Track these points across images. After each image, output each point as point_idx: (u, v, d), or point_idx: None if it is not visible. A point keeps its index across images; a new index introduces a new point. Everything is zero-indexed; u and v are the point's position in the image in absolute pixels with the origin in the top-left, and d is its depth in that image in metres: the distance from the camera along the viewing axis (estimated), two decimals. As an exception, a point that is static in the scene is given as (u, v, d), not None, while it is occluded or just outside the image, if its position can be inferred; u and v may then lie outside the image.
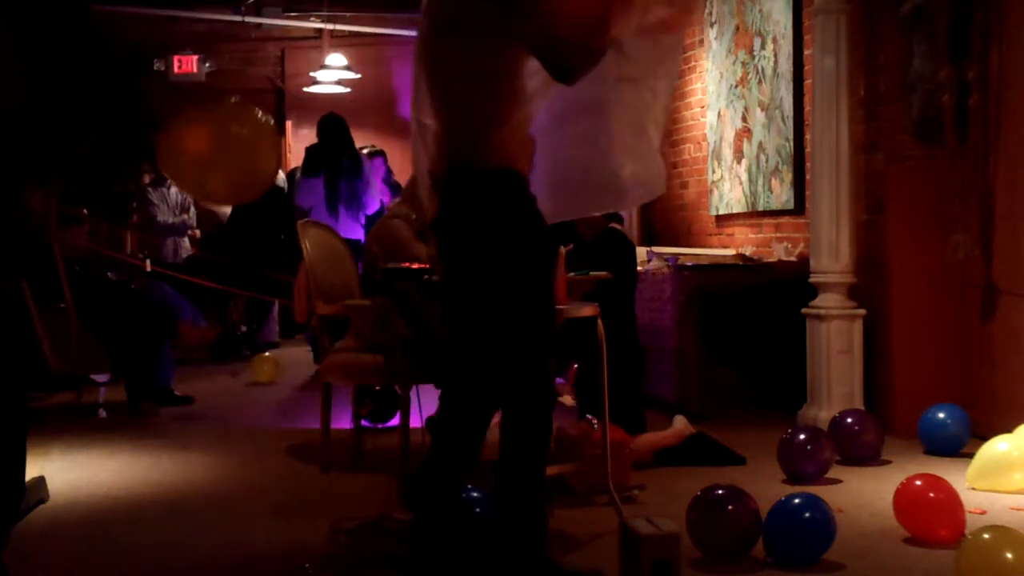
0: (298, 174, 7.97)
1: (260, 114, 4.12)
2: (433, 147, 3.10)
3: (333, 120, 7.62)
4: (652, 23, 3.08)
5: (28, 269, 2.71)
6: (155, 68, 11.05)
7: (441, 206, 3.07)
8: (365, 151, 9.95)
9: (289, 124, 11.63)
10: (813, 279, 5.38)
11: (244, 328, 9.74)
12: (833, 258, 5.28)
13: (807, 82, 6.15)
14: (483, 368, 3.07)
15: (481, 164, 2.97)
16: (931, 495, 3.48)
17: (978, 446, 4.25)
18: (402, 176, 8.96)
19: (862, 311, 5.27)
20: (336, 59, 10.90)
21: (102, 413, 6.23)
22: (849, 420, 4.68)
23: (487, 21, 2.92)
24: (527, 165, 3.04)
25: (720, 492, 3.36)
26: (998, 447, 4.13)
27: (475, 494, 3.39)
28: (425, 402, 4.54)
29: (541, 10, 2.88)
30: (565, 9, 2.91)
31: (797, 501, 3.29)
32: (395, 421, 5.30)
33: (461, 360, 3.10)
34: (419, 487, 3.08)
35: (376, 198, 7.73)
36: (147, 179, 9.89)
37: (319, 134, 7.70)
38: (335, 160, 7.45)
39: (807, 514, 3.24)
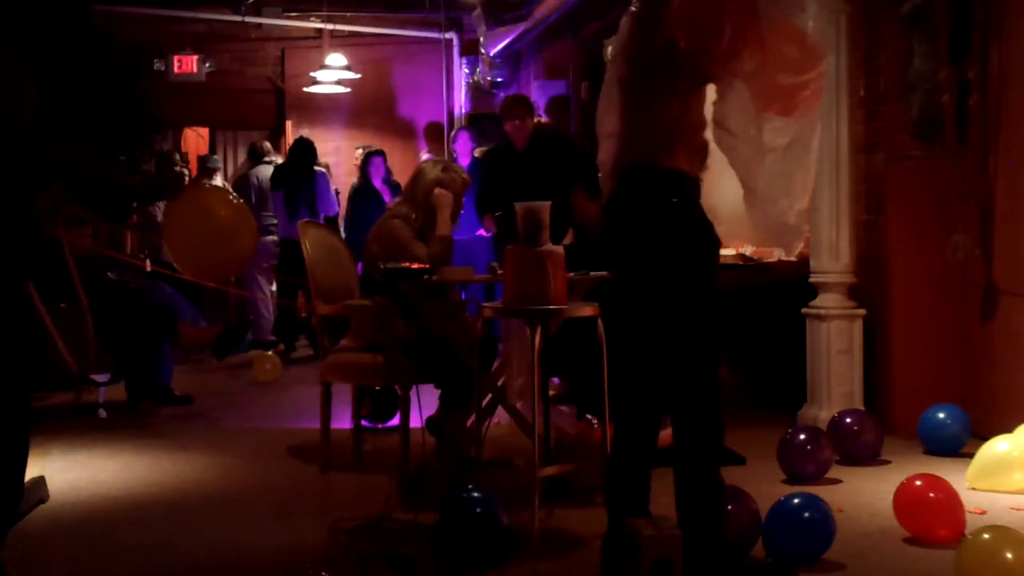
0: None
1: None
2: (613, 149, 3.22)
3: (301, 144, 9.20)
4: (776, 84, 3.06)
5: (34, 271, 2.72)
6: (155, 68, 11.04)
7: (611, 202, 3.20)
8: (360, 151, 10.03)
9: (289, 124, 11.63)
10: (813, 279, 5.38)
11: (243, 326, 9.79)
12: (833, 258, 5.28)
13: (807, 82, 6.14)
14: (639, 363, 3.13)
15: (655, 163, 3.07)
16: (931, 495, 3.48)
17: (978, 446, 4.25)
18: (401, 176, 8.98)
19: (862, 311, 5.27)
20: (336, 59, 10.90)
21: (102, 413, 6.22)
22: (848, 420, 4.68)
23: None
24: (700, 168, 3.13)
25: (720, 492, 3.36)
26: (998, 447, 4.13)
27: (475, 494, 3.38)
28: (425, 402, 4.54)
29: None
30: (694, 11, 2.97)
31: (797, 501, 3.29)
32: (395, 421, 5.31)
33: (622, 354, 3.17)
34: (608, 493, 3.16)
35: (331, 205, 9.16)
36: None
37: (288, 154, 9.40)
38: (294, 178, 8.95)
39: (807, 514, 3.25)
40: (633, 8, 3.18)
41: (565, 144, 6.88)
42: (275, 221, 9.31)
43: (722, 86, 3.05)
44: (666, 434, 4.75)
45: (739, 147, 3.08)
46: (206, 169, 10.13)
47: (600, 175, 3.32)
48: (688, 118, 3.09)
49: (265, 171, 9.64)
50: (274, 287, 9.76)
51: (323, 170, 9.29)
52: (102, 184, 2.92)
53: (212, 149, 12.01)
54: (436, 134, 11.89)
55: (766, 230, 3.22)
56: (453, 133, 9.65)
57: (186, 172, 10.34)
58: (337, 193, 9.84)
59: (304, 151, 9.09)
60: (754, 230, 3.30)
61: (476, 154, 9.30)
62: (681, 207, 3.07)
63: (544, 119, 9.04)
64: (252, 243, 6.16)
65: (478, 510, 3.31)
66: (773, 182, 3.10)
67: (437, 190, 4.68)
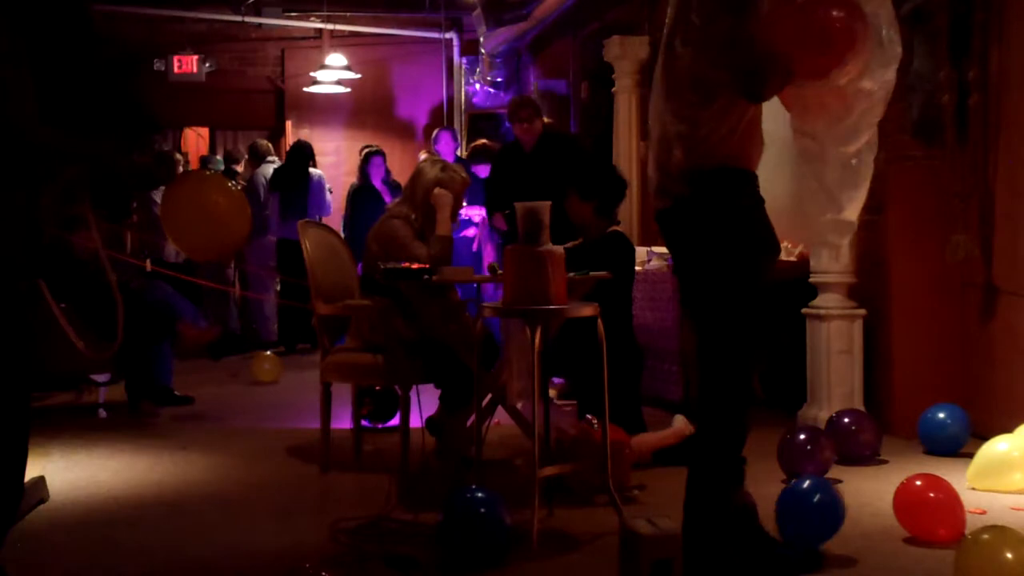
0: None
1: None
2: (669, 146, 3.14)
3: (298, 147, 9.58)
4: (862, 89, 3.00)
5: (35, 270, 2.71)
6: (155, 68, 11.04)
7: (674, 203, 3.12)
8: (365, 151, 10.06)
9: (289, 124, 11.63)
10: (813, 279, 5.38)
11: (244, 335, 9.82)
12: (833, 258, 5.28)
13: (807, 82, 6.13)
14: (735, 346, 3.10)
15: (726, 164, 3.01)
16: (931, 495, 3.48)
17: (978, 446, 4.25)
18: (401, 176, 8.99)
19: (862, 311, 5.27)
20: (336, 59, 10.90)
21: (102, 413, 6.23)
22: (846, 420, 4.68)
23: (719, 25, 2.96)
24: (757, 164, 3.08)
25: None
26: (998, 447, 4.13)
27: (479, 494, 3.37)
28: (425, 402, 4.54)
29: (765, 23, 2.89)
30: (801, 35, 2.87)
31: (807, 484, 3.37)
32: (395, 421, 5.31)
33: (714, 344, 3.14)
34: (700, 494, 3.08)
35: (326, 207, 9.44)
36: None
37: (287, 157, 9.74)
38: (290, 181, 9.32)
39: (817, 497, 3.31)
40: (696, 16, 3.02)
41: (572, 146, 6.87)
42: None
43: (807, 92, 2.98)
44: (663, 434, 4.77)
45: (822, 152, 3.05)
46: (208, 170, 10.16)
47: (655, 176, 3.21)
48: (757, 116, 3.03)
49: (268, 170, 9.69)
50: (278, 287, 9.84)
51: (320, 173, 9.59)
52: (102, 172, 2.91)
53: (212, 149, 12.02)
54: (436, 134, 11.90)
55: (824, 227, 3.20)
56: (434, 134, 9.66)
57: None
58: (330, 191, 9.93)
59: (300, 154, 9.44)
60: (810, 228, 3.28)
61: (471, 153, 9.32)
62: (751, 210, 3.03)
63: (546, 119, 9.07)
64: (246, 227, 6.48)
65: (482, 510, 3.30)
66: (845, 183, 3.08)
67: (437, 190, 4.68)
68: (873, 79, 2.96)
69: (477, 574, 3.23)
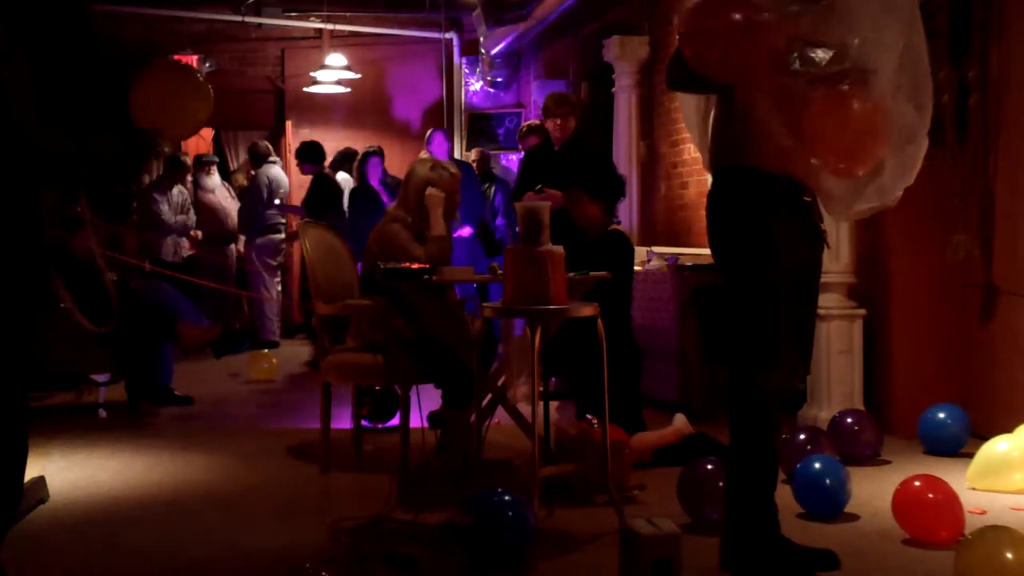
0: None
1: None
2: (705, 148, 3.22)
3: (339, 156, 10.04)
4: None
5: (35, 270, 2.71)
6: (155, 68, 11.04)
7: (708, 199, 3.18)
8: (363, 152, 10.12)
9: (289, 124, 11.63)
10: (813, 279, 5.37)
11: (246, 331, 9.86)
12: (833, 258, 5.27)
13: (807, 82, 6.13)
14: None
15: (735, 163, 3.04)
16: (930, 496, 3.48)
17: (978, 446, 4.25)
18: (401, 176, 8.98)
19: (862, 311, 5.27)
20: (336, 59, 10.90)
21: (102, 413, 6.22)
22: (848, 420, 4.69)
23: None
24: (791, 167, 2.99)
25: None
26: (998, 447, 4.13)
27: (507, 497, 3.33)
28: (425, 402, 4.54)
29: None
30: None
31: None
32: (395, 421, 5.31)
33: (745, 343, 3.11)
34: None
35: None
36: (147, 180, 10.02)
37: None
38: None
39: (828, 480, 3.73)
40: None
41: (598, 153, 6.78)
42: (281, 220, 9.67)
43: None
44: (663, 433, 4.77)
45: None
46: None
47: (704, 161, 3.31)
48: (758, 116, 2.98)
49: (271, 170, 9.68)
50: (279, 287, 9.86)
51: (327, 172, 9.65)
52: (102, 172, 2.91)
53: (219, 151, 12.02)
54: (436, 134, 11.88)
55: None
56: (428, 135, 9.65)
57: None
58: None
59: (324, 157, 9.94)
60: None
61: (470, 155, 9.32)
62: (757, 210, 3.02)
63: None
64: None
65: (510, 513, 3.27)
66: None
67: (428, 190, 4.65)
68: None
69: None
